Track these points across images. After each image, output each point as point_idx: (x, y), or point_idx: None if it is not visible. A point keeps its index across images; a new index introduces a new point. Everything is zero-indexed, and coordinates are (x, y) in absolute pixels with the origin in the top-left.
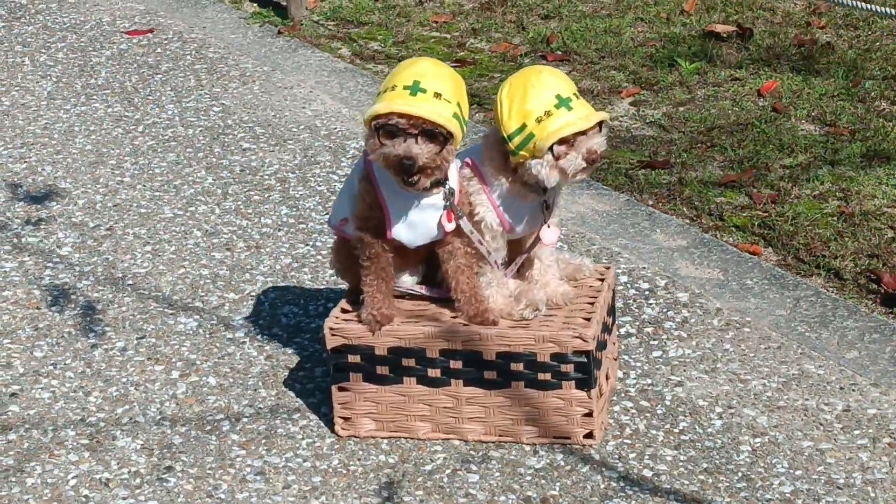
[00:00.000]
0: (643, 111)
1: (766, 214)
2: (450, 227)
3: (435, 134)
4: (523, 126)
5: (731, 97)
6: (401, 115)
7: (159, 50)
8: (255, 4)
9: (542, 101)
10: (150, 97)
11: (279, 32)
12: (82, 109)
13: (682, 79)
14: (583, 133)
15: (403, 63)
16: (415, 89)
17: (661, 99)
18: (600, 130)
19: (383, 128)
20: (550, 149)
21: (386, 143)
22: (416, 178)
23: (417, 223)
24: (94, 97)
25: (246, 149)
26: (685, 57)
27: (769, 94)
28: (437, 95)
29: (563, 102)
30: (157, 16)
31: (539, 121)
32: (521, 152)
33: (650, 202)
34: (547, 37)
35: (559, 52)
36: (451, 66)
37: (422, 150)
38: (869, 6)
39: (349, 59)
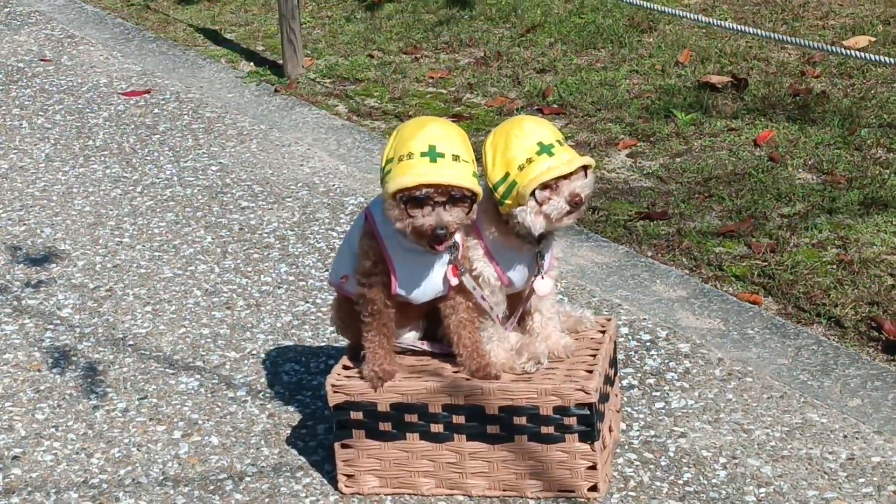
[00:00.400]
0: (640, 163)
1: (766, 263)
2: (455, 281)
3: (461, 198)
4: (507, 175)
5: (727, 147)
6: (428, 185)
7: (156, 110)
8: (252, 63)
9: (524, 149)
10: (148, 157)
11: (276, 91)
12: (80, 171)
13: (679, 130)
14: (566, 177)
15: (409, 127)
16: (433, 155)
17: (658, 150)
18: (586, 176)
19: (411, 199)
20: (534, 195)
21: (414, 214)
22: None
23: (423, 279)
24: (93, 158)
25: (244, 207)
26: (681, 108)
27: (765, 143)
28: (456, 158)
29: (544, 149)
30: (154, 76)
31: (521, 168)
32: (507, 201)
33: (649, 253)
34: (543, 90)
35: (555, 106)
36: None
37: (452, 217)
38: (862, 54)
39: (346, 115)
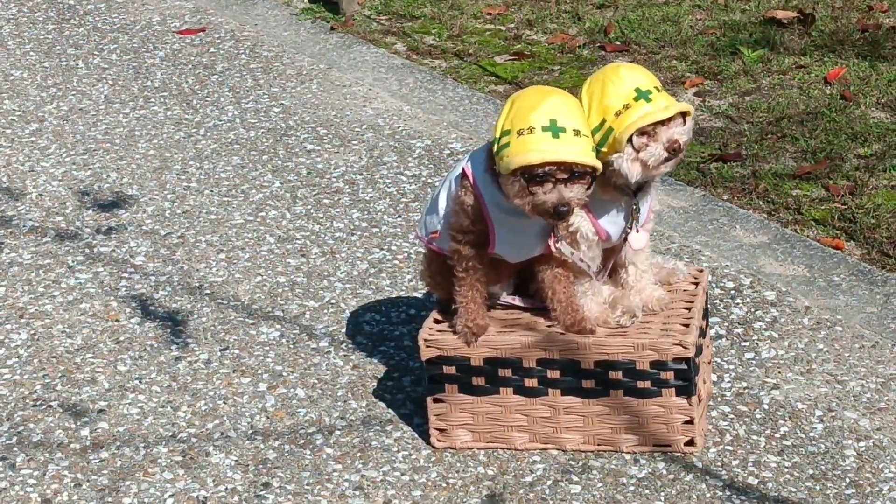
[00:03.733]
0: (709, 102)
1: (845, 207)
2: (554, 250)
3: (582, 174)
4: (603, 121)
5: (797, 85)
6: (552, 163)
7: (212, 49)
8: (305, 0)
9: (621, 96)
10: (208, 99)
11: (332, 28)
12: (141, 113)
13: (746, 67)
14: (663, 124)
15: (526, 98)
16: (555, 130)
17: (726, 89)
18: (684, 123)
19: (532, 176)
20: (630, 141)
21: (535, 192)
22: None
23: (521, 240)
24: (153, 100)
25: (310, 150)
26: (747, 45)
27: (836, 81)
28: (577, 133)
29: (642, 95)
30: (207, 14)
31: (618, 114)
32: (603, 149)
33: (725, 197)
34: (604, 27)
35: (618, 43)
36: (510, 60)
37: (574, 194)
38: None
39: (405, 54)
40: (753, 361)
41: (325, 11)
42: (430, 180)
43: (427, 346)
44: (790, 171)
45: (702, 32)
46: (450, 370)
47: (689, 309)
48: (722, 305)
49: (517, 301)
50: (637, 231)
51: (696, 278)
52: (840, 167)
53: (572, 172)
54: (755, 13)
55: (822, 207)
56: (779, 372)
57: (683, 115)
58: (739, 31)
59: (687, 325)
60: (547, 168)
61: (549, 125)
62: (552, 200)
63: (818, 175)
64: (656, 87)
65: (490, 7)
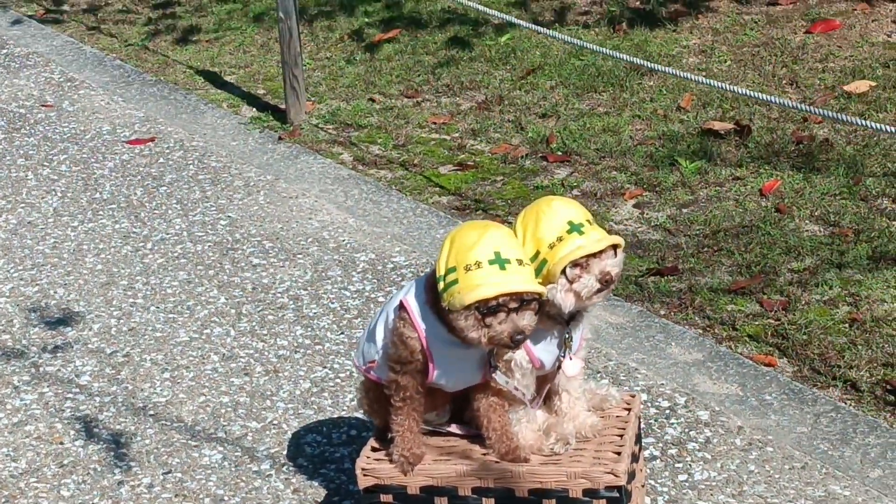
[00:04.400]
0: (647, 214)
1: (779, 323)
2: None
3: (530, 300)
4: (537, 253)
5: (733, 197)
6: (505, 295)
7: (161, 160)
8: (254, 109)
9: (555, 228)
10: (156, 211)
11: (280, 138)
12: (90, 226)
13: (684, 179)
14: (596, 256)
15: (466, 234)
16: (501, 262)
17: (665, 200)
18: (615, 255)
19: (487, 309)
20: (564, 273)
21: (491, 323)
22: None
23: (460, 369)
24: (101, 213)
25: (256, 265)
26: (685, 156)
27: (771, 193)
28: (520, 262)
29: (574, 228)
30: (157, 123)
31: (552, 246)
32: (537, 280)
33: (662, 312)
34: (546, 136)
35: (560, 153)
36: (454, 171)
37: (526, 321)
38: (859, 120)
39: (351, 164)
40: (686, 483)
41: (273, 120)
42: (372, 295)
43: (364, 475)
44: (725, 285)
45: (641, 143)
46: (387, 498)
47: (621, 436)
48: (657, 425)
49: (453, 428)
50: (570, 359)
51: (628, 404)
52: (774, 282)
53: (522, 301)
54: (693, 124)
55: (756, 323)
56: (711, 494)
57: (615, 247)
58: (678, 142)
59: (619, 453)
60: (500, 300)
61: (494, 258)
62: (508, 330)
63: (752, 290)
64: (588, 220)
65: (435, 116)
